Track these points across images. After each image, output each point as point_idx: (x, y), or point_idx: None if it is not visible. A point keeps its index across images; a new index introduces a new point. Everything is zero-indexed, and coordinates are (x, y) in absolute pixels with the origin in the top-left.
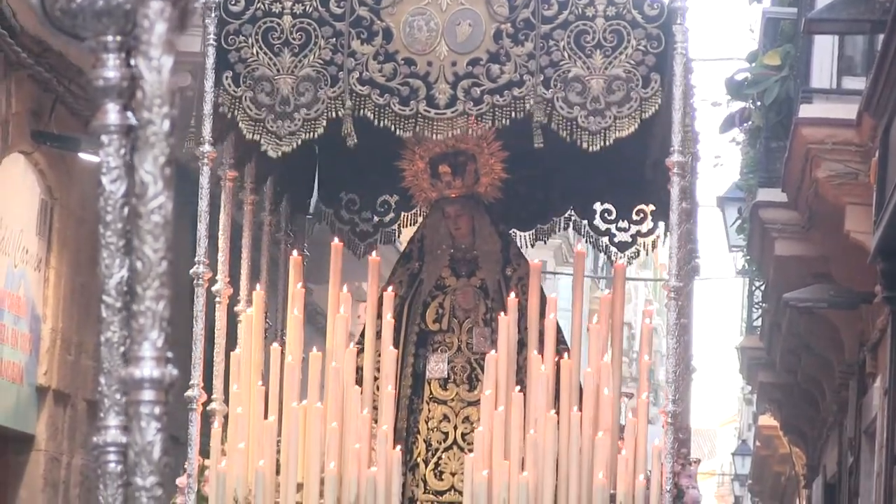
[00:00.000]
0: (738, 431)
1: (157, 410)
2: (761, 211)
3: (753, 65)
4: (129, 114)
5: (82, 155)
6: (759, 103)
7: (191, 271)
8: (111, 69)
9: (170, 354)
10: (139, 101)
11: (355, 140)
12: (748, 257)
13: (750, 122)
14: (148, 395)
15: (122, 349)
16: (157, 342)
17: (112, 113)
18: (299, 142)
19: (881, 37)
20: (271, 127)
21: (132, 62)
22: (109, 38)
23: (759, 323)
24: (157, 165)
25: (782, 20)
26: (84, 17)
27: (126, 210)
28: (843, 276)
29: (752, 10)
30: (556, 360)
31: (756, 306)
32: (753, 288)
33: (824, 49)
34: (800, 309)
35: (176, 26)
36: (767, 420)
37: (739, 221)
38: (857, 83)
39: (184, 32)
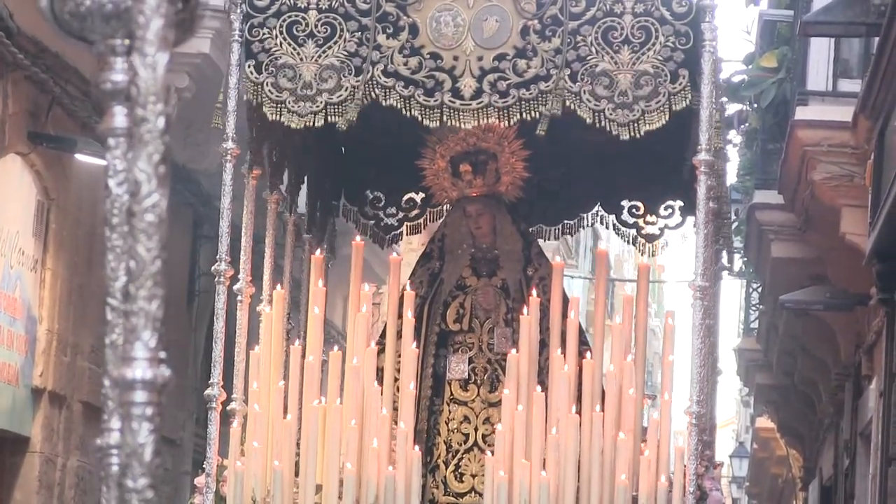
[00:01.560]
0: (736, 433)
1: (149, 412)
2: (758, 213)
3: (750, 67)
4: None
5: (79, 156)
6: (755, 105)
7: (212, 268)
8: (119, 72)
9: (163, 355)
10: (134, 98)
11: (352, 122)
12: (745, 259)
13: (747, 124)
14: (140, 396)
15: None
16: (150, 342)
17: (119, 116)
18: (322, 122)
19: (877, 39)
20: (292, 107)
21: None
22: (117, 41)
23: (755, 325)
24: (152, 164)
25: (779, 23)
26: (92, 20)
27: None
28: (839, 278)
29: (749, 12)
30: (579, 360)
31: (753, 308)
32: (750, 290)
33: (820, 51)
34: (796, 311)
35: (173, 23)
36: (764, 422)
37: (736, 223)
38: (853, 86)
39: (193, 35)
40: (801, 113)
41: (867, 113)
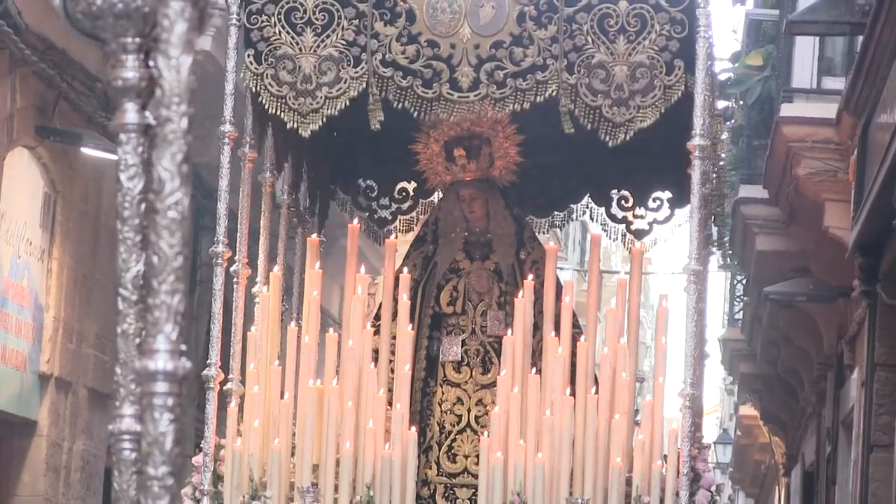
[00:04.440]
0: (720, 421)
1: (170, 402)
2: (743, 207)
3: (736, 65)
4: (147, 113)
5: (85, 149)
6: (741, 102)
7: (210, 250)
8: (130, 70)
9: (184, 347)
10: (157, 98)
11: (382, 118)
12: (730, 252)
13: (733, 121)
14: (161, 387)
15: (137, 341)
16: (172, 335)
17: (130, 112)
18: (323, 119)
19: (860, 38)
20: (293, 104)
21: (151, 62)
22: (128, 39)
23: (740, 316)
24: (175, 163)
25: (764, 21)
26: (104, 19)
27: (143, 206)
28: (822, 271)
29: (736, 11)
30: (572, 343)
31: (737, 300)
32: (735, 282)
33: (805, 50)
34: (780, 302)
35: (195, 27)
36: (748, 410)
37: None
38: (837, 83)
39: (202, 34)
40: (786, 110)
41: (851, 110)
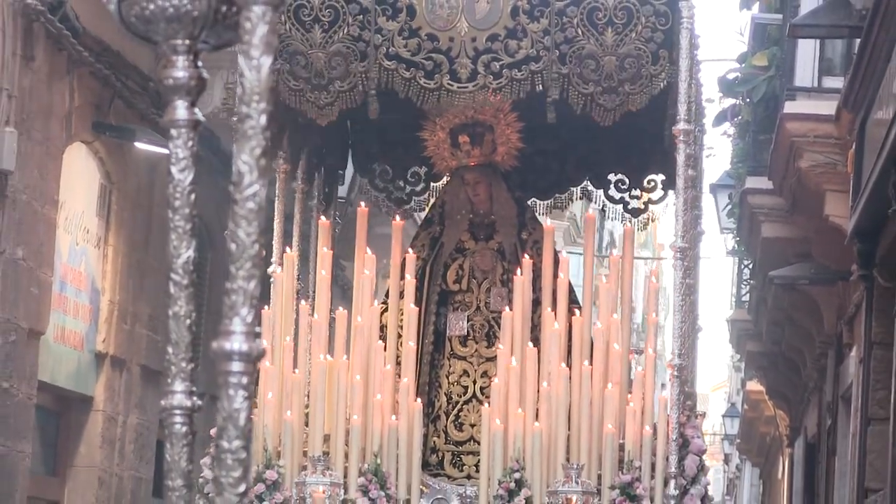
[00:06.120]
0: (728, 395)
1: (244, 381)
2: (749, 197)
3: (743, 65)
4: (196, 110)
5: (138, 144)
6: (748, 100)
7: (225, 232)
8: (180, 69)
9: (258, 329)
10: (239, 96)
11: (377, 109)
12: (738, 239)
13: (740, 117)
14: (237, 366)
15: (188, 322)
16: (247, 318)
17: (181, 109)
18: (338, 112)
19: (858, 41)
20: (310, 98)
21: (199, 63)
22: (179, 41)
23: (747, 298)
24: (254, 156)
25: (769, 25)
26: (157, 23)
27: (192, 196)
28: (823, 256)
29: (742, 15)
30: (568, 317)
31: (744, 283)
32: (742, 266)
33: (807, 51)
34: (784, 285)
35: (275, 29)
36: (754, 385)
37: (730, 206)
38: (837, 82)
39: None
40: (790, 107)
41: (849, 107)
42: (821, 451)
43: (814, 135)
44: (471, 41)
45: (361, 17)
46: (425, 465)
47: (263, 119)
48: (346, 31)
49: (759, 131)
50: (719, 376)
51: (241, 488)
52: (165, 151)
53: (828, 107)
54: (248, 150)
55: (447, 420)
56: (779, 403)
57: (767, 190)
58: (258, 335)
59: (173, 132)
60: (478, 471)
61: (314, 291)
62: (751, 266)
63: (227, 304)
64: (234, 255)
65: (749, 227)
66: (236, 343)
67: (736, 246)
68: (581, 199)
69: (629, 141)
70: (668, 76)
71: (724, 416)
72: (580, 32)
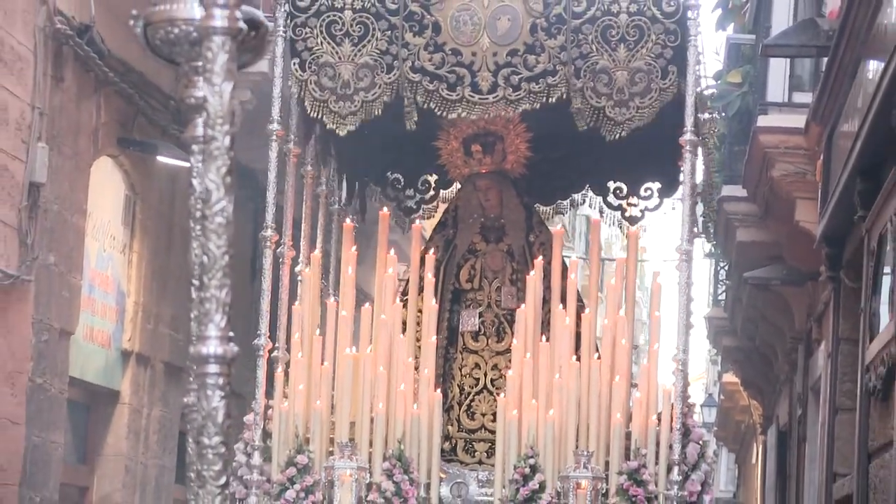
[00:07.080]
0: (706, 386)
1: (220, 381)
2: (725, 204)
3: (719, 82)
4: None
5: (160, 158)
6: (723, 114)
7: (259, 235)
8: (200, 89)
9: (231, 333)
10: (204, 120)
11: (416, 119)
12: (714, 242)
13: (716, 130)
14: (213, 368)
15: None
16: (221, 323)
17: (200, 126)
18: (359, 122)
19: (826, 59)
20: (333, 107)
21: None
22: (199, 63)
23: (723, 297)
24: (220, 175)
25: (743, 45)
26: (180, 45)
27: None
28: (794, 259)
29: (718, 36)
30: (577, 315)
31: (721, 283)
32: (719, 268)
33: (778, 69)
34: (757, 285)
35: (234, 58)
36: (730, 377)
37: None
38: (806, 97)
39: (262, 58)
40: (762, 121)
41: (818, 120)
42: (792, 439)
43: (785, 146)
44: (492, 56)
45: (390, 32)
46: (440, 452)
47: (227, 140)
48: (374, 45)
49: (734, 143)
50: (697, 369)
51: (222, 481)
52: (186, 164)
53: (798, 120)
54: (215, 170)
55: (460, 409)
56: (753, 394)
57: (742, 197)
58: (231, 339)
59: (194, 147)
60: (489, 457)
61: (333, 290)
62: (727, 268)
63: (201, 312)
64: (206, 267)
65: (725, 231)
66: (212, 347)
67: (713, 249)
68: (582, 205)
69: (629, 151)
70: (676, 92)
71: (702, 406)
72: (594, 48)
